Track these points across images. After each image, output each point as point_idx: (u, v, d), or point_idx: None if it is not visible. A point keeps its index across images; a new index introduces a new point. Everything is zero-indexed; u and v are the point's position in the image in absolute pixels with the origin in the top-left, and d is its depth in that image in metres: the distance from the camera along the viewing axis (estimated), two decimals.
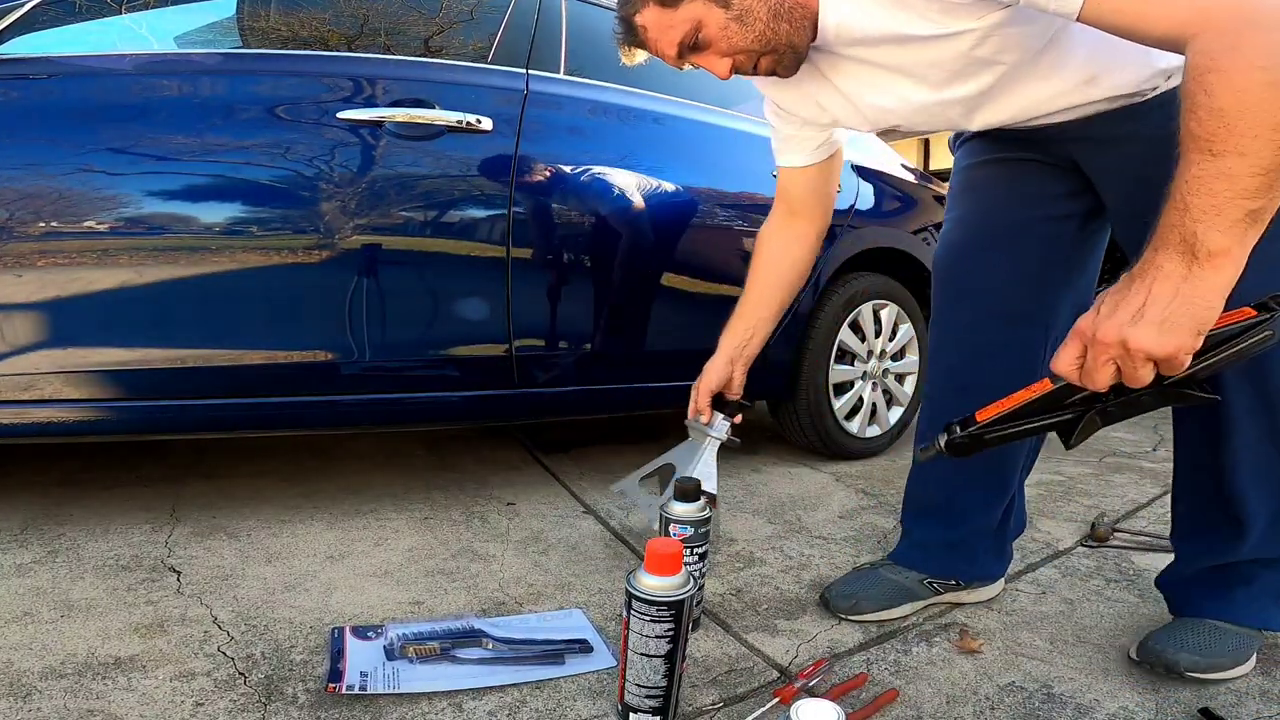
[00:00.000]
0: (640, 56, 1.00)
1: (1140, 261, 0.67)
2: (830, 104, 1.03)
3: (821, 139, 1.12)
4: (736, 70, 0.94)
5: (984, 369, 1.06)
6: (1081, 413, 0.75)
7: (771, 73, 0.95)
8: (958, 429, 0.83)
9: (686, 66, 0.97)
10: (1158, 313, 0.64)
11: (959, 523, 1.11)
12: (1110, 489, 1.82)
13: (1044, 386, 0.77)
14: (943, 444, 0.83)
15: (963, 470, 1.06)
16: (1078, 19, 0.73)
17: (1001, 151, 1.06)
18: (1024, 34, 0.82)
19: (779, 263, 1.20)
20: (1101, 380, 0.68)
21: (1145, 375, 0.66)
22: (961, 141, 1.15)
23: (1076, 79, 0.87)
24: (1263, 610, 0.96)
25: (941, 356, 1.16)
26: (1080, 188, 1.01)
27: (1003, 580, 1.20)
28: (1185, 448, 0.98)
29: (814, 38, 0.92)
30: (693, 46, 0.92)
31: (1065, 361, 0.70)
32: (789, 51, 0.92)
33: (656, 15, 0.91)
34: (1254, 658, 0.96)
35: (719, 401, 1.20)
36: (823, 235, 1.22)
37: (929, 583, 1.12)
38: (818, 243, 1.21)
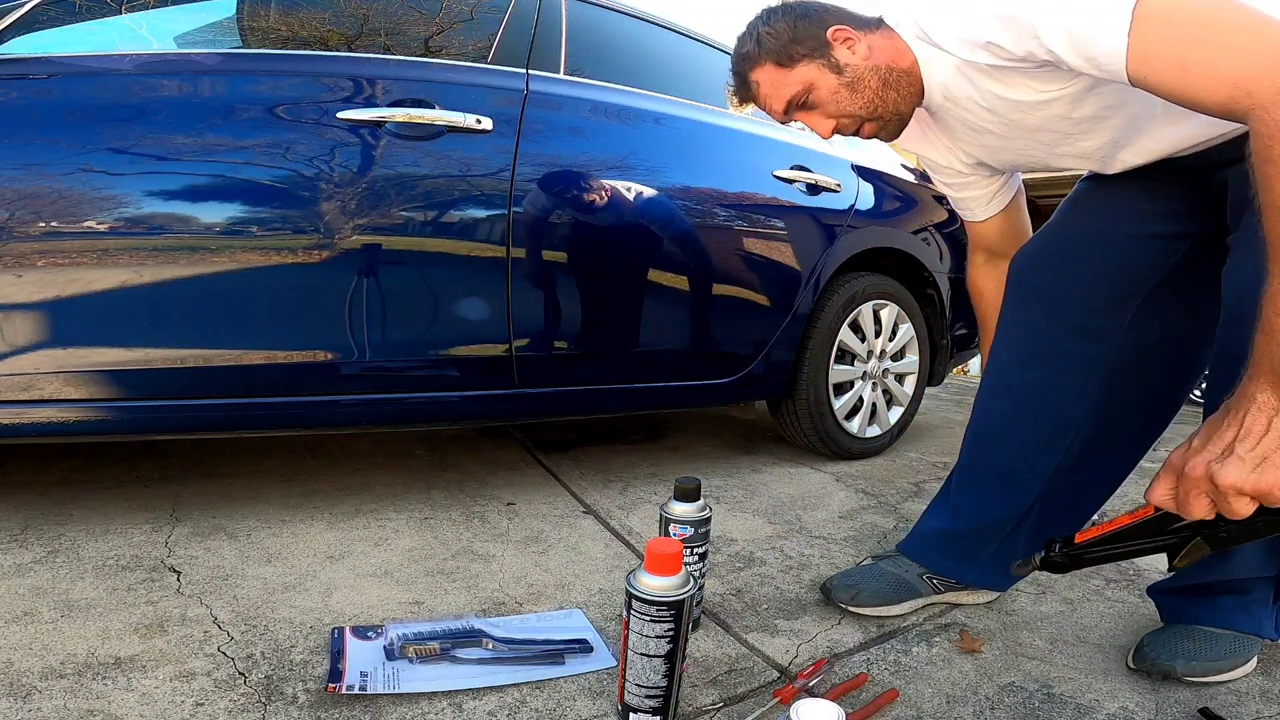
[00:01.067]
0: (747, 109, 1.05)
1: (1236, 390, 0.65)
2: (961, 152, 1.05)
3: (994, 188, 1.12)
4: (839, 131, 0.98)
5: (1035, 374, 1.03)
6: (1187, 537, 0.71)
7: (874, 136, 1.00)
8: (1058, 547, 0.81)
9: (792, 123, 1.02)
10: (1249, 448, 0.61)
11: (962, 518, 1.10)
12: None
13: (1147, 512, 0.74)
14: (1038, 561, 0.82)
15: (977, 467, 1.05)
16: (1131, 84, 0.72)
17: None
18: (1123, 88, 0.77)
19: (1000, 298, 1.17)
20: (1198, 512, 0.65)
21: (1242, 509, 0.63)
22: None
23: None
24: (1254, 617, 0.95)
25: (996, 353, 1.12)
26: (1206, 209, 0.92)
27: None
28: None
29: (920, 102, 0.96)
30: (801, 105, 0.97)
31: (1159, 493, 0.68)
32: (894, 119, 0.97)
33: (772, 74, 0.96)
34: (1255, 659, 0.96)
35: None
36: None
37: (929, 578, 1.11)
38: None
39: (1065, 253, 1.03)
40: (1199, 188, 0.93)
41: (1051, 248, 1.06)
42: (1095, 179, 1.06)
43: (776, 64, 0.96)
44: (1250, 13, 0.66)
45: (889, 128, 0.98)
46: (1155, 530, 0.74)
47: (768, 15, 0.97)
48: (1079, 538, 0.80)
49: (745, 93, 1.02)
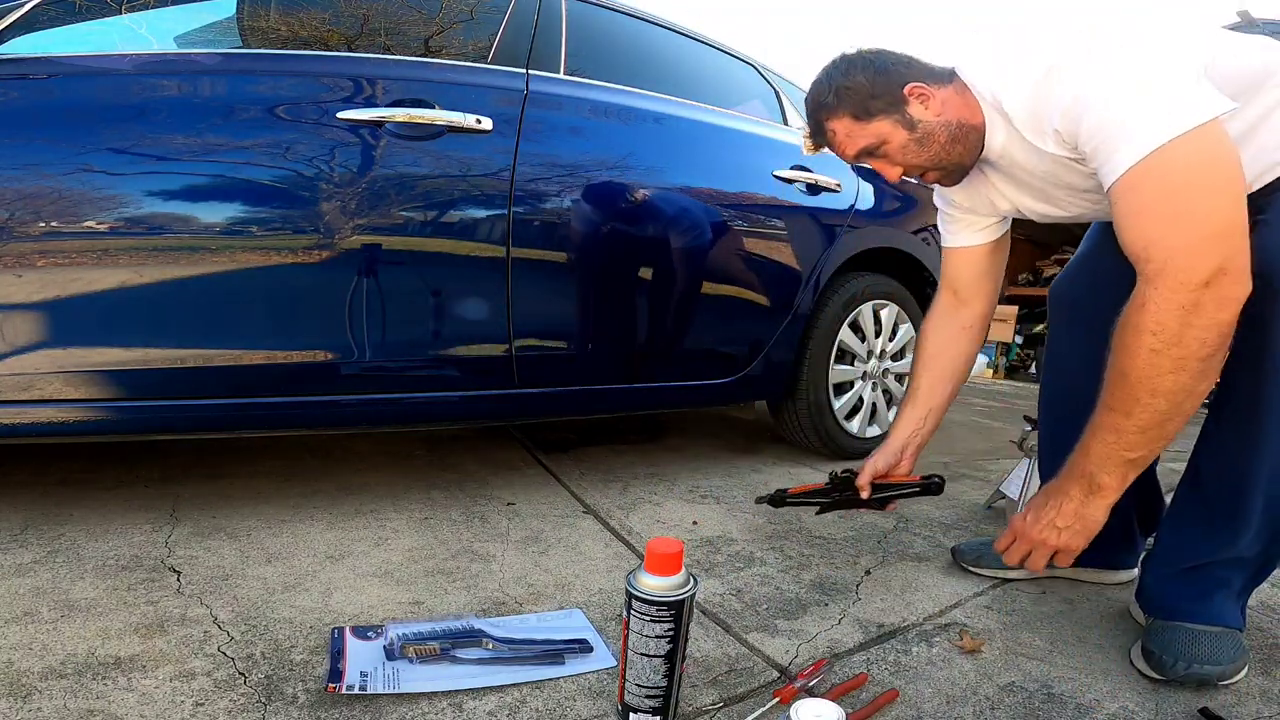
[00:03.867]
0: (822, 150, 1.12)
1: (1057, 480, 0.94)
2: (1001, 204, 1.11)
3: (992, 220, 1.16)
4: (905, 176, 1.07)
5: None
6: (837, 500, 1.25)
7: (936, 183, 1.07)
8: (776, 492, 1.26)
9: (861, 161, 1.08)
10: (1063, 524, 0.92)
11: None
12: None
13: (820, 484, 1.25)
14: (767, 498, 1.25)
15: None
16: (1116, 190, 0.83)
17: None
18: None
19: (947, 354, 1.24)
20: (1016, 557, 0.98)
21: (1041, 561, 0.96)
22: None
23: (1253, 172, 0.87)
24: (1236, 610, 0.98)
25: (1059, 377, 1.19)
26: None
27: (1135, 570, 1.21)
28: (1215, 442, 0.96)
29: (981, 153, 1.02)
30: (871, 153, 1.04)
31: (1002, 543, 1.01)
32: (956, 169, 1.04)
33: (848, 125, 1.02)
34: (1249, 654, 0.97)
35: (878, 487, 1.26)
36: (990, 315, 1.25)
37: None
38: (985, 326, 1.24)
39: (1103, 271, 1.08)
40: None
41: (1086, 272, 1.15)
42: None
43: (853, 117, 1.01)
44: (1219, 205, 0.78)
45: (951, 176, 1.06)
46: (823, 494, 1.25)
47: (847, 67, 1.01)
48: (791, 490, 1.26)
49: (821, 139, 1.07)
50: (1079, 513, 0.90)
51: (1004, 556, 1.00)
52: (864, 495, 1.22)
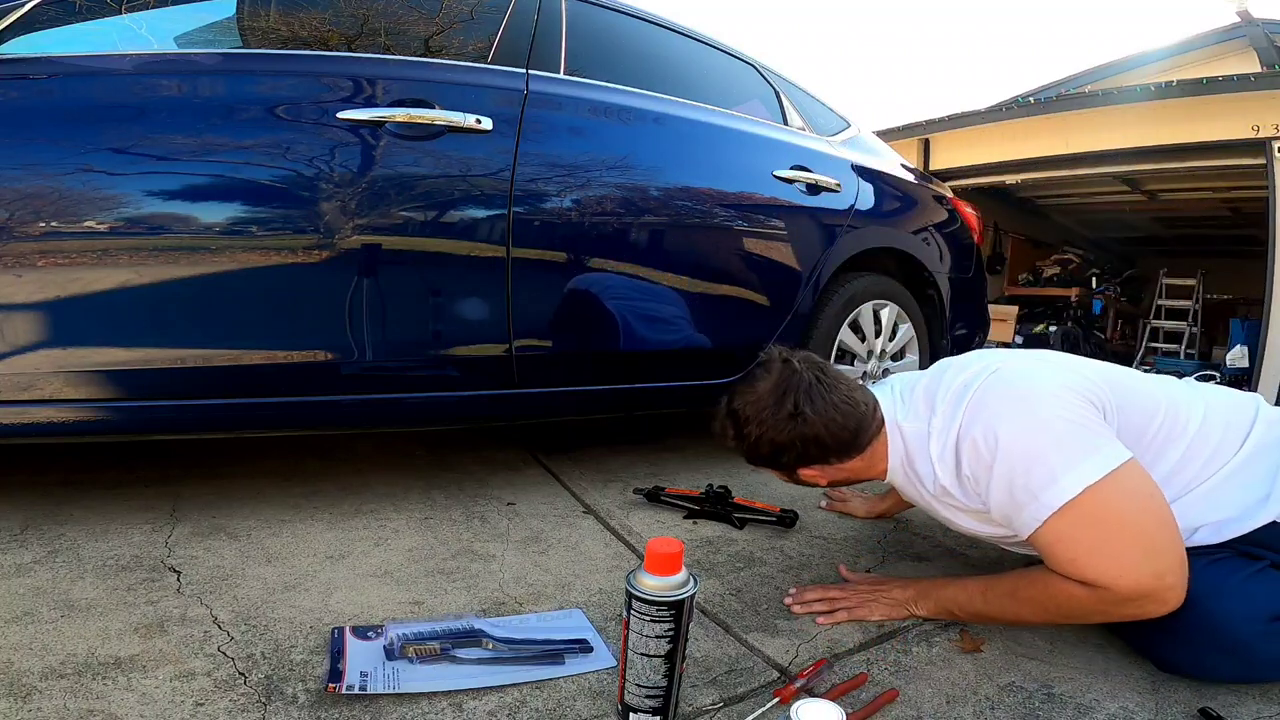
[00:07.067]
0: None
1: (911, 580, 1.13)
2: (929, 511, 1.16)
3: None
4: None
5: None
6: (708, 511, 1.51)
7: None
8: (653, 489, 1.57)
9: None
10: (886, 601, 1.09)
11: None
12: None
13: (698, 492, 1.54)
14: (643, 494, 1.59)
15: None
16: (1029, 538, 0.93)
17: None
18: None
19: None
20: (822, 607, 1.09)
21: (839, 617, 1.07)
22: None
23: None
24: None
25: None
26: None
27: None
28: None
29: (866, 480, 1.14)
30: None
31: (814, 593, 1.13)
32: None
33: (750, 453, 1.07)
34: None
35: None
36: None
37: None
38: None
39: None
40: None
41: None
42: None
43: (754, 449, 1.06)
44: (1156, 536, 0.87)
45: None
46: (695, 501, 1.52)
47: (758, 436, 1.03)
48: (668, 490, 1.56)
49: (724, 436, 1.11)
50: (900, 601, 1.08)
51: (799, 598, 1.11)
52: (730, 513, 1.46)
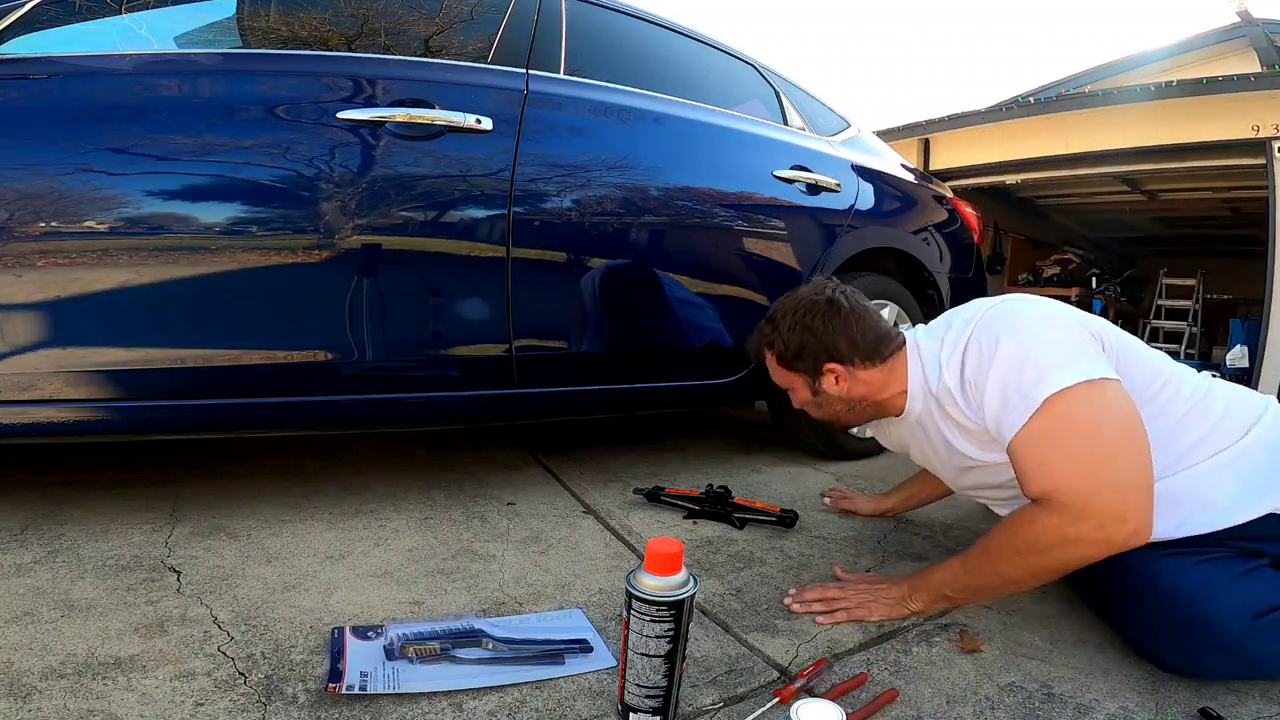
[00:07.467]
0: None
1: (900, 577, 1.13)
2: (920, 456, 1.25)
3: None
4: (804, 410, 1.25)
5: None
6: (708, 511, 1.51)
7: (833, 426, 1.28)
8: (654, 488, 1.58)
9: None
10: (886, 600, 1.09)
11: None
12: None
13: (698, 492, 1.54)
14: (644, 493, 1.59)
15: None
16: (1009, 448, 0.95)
17: None
18: None
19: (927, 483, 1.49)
20: (819, 607, 1.10)
21: (839, 617, 1.07)
22: None
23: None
24: None
25: None
26: None
27: None
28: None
29: (881, 417, 1.21)
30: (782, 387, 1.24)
31: (813, 593, 1.13)
32: (849, 424, 1.26)
33: (772, 361, 1.22)
34: None
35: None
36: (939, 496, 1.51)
37: None
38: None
39: None
40: None
41: None
42: None
43: (777, 359, 1.20)
44: (1128, 457, 0.89)
45: (845, 426, 1.32)
46: (695, 501, 1.52)
47: (793, 322, 1.16)
48: (668, 490, 1.56)
49: (759, 361, 1.26)
50: (897, 599, 1.08)
51: (799, 598, 1.12)
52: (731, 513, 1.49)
